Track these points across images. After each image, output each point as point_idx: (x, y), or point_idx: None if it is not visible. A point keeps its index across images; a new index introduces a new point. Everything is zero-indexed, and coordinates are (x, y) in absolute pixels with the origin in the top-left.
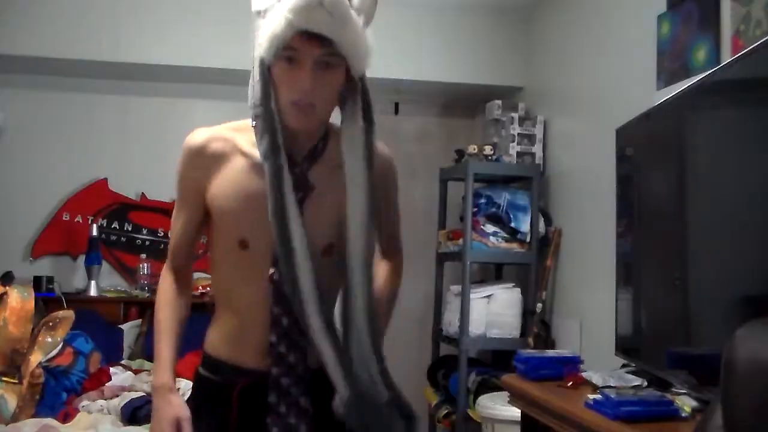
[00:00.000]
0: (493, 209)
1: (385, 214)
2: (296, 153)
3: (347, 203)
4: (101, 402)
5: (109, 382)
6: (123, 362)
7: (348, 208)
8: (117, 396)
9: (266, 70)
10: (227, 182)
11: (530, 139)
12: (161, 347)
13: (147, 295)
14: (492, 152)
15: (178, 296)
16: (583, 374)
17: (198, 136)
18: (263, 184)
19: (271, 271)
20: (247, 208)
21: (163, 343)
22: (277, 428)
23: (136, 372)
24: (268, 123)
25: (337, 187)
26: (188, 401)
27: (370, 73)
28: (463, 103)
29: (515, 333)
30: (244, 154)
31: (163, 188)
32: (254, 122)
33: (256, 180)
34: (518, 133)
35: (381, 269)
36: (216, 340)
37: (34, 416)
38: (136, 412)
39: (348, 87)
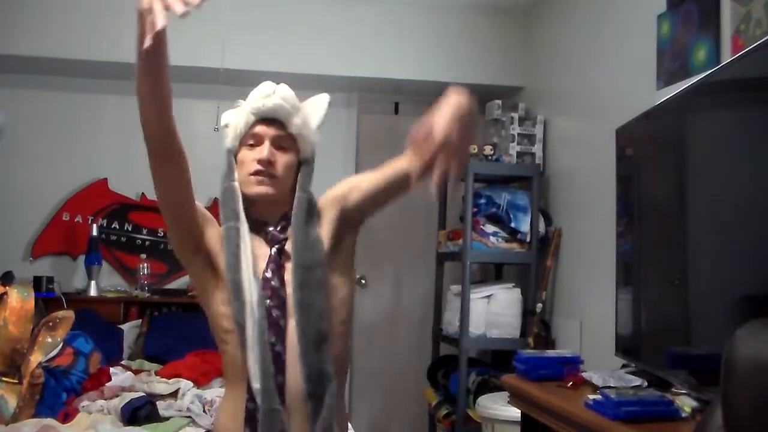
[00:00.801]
0: (493, 209)
1: (360, 193)
2: (269, 218)
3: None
4: (101, 402)
5: (109, 383)
6: (123, 362)
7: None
8: (117, 396)
9: (232, 155)
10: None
11: (530, 139)
12: None
13: (147, 295)
14: (492, 152)
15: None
16: (583, 374)
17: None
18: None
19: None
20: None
21: None
22: None
23: (136, 372)
24: (230, 194)
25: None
26: None
27: (370, 73)
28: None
29: (515, 333)
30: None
31: None
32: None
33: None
34: (518, 133)
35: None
36: (226, 421)
37: (34, 416)
38: (136, 412)
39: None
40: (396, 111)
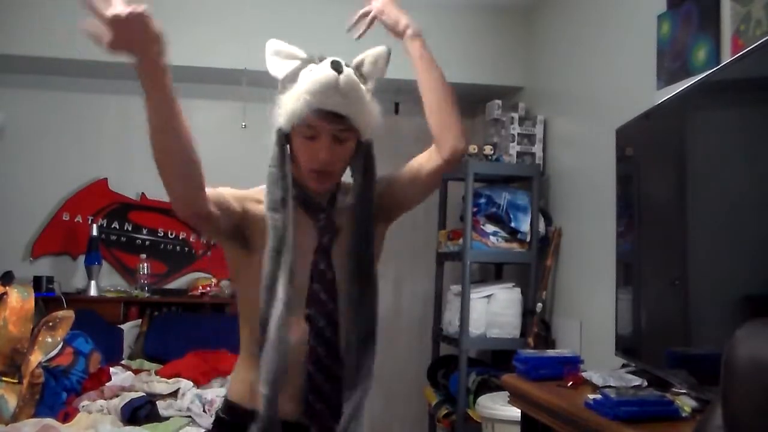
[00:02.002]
0: (493, 209)
1: (400, 174)
2: (319, 201)
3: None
4: (101, 402)
5: (109, 382)
6: (123, 362)
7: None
8: (117, 396)
9: (283, 137)
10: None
11: (530, 139)
12: None
13: (147, 295)
14: (492, 152)
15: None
16: (583, 374)
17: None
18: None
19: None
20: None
21: None
22: None
23: (136, 372)
24: (281, 183)
25: (351, 225)
26: None
27: None
28: (463, 103)
29: (515, 333)
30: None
31: (163, 188)
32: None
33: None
34: (518, 133)
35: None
36: (239, 387)
37: (34, 416)
38: (136, 412)
39: (357, 148)
40: (396, 111)
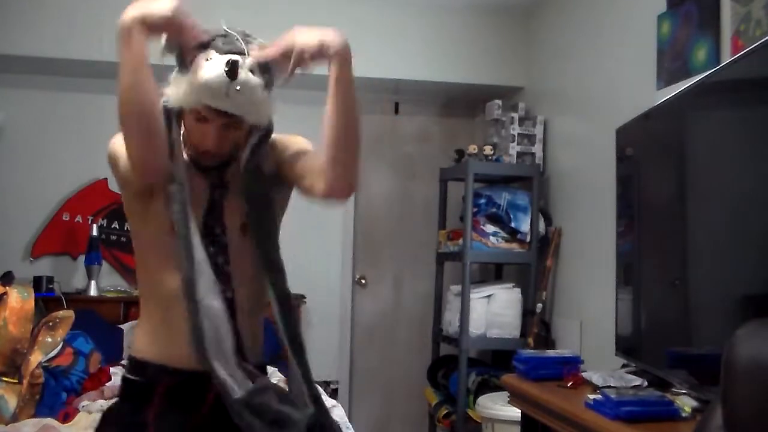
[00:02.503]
0: (493, 209)
1: (299, 159)
2: (209, 162)
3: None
4: (101, 402)
5: (109, 382)
6: (123, 362)
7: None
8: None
9: (169, 111)
10: None
11: (530, 139)
12: None
13: None
14: (492, 152)
15: None
16: (583, 374)
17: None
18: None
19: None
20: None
21: None
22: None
23: None
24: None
25: (242, 186)
26: (112, 409)
27: (370, 73)
28: (463, 103)
29: (515, 333)
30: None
31: None
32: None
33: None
34: (518, 133)
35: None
36: (143, 339)
37: (34, 416)
38: None
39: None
40: (396, 111)
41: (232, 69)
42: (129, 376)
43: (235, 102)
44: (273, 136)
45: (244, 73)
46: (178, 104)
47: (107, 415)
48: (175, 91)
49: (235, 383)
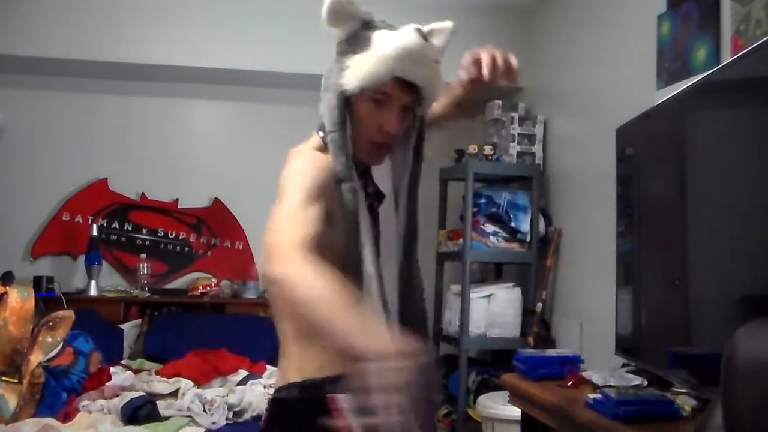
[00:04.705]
0: (493, 209)
1: None
2: (376, 160)
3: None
4: (101, 402)
5: (110, 382)
6: (123, 362)
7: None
8: (117, 396)
9: (345, 100)
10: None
11: (530, 139)
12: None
13: (147, 294)
14: (492, 152)
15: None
16: (583, 374)
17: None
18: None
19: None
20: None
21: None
22: None
23: (136, 372)
24: (343, 149)
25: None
26: None
27: None
28: (463, 103)
29: (515, 332)
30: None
31: (163, 188)
32: (327, 144)
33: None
34: (518, 133)
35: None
36: (312, 361)
37: (34, 416)
38: (137, 411)
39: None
40: None
41: (422, 32)
42: (289, 396)
43: (426, 69)
44: None
45: (430, 41)
46: (364, 83)
47: None
48: (357, 71)
49: None
